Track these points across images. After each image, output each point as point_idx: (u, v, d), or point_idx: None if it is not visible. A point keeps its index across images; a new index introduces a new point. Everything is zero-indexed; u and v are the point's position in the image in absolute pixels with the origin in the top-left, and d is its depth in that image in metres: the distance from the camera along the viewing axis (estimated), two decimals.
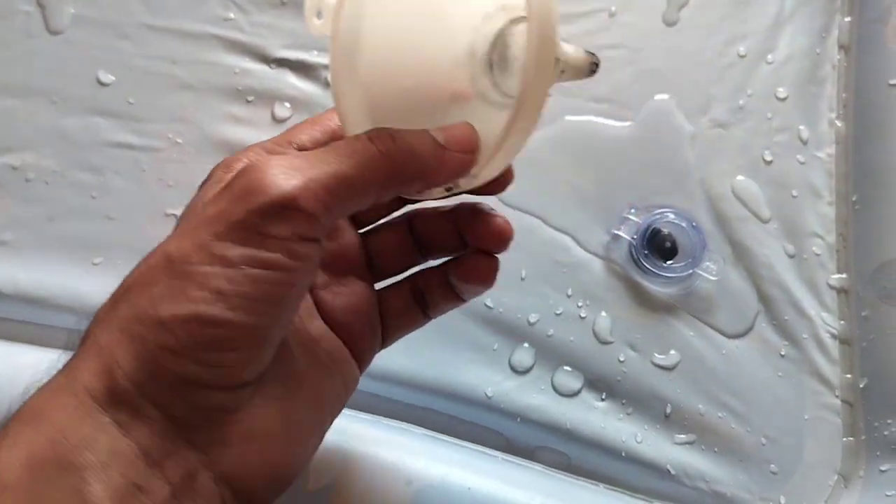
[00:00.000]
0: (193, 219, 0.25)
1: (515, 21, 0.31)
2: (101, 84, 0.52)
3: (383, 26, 0.30)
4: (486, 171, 0.28)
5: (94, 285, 0.47)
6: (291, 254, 0.24)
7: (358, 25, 0.30)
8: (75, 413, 0.23)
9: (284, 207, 0.24)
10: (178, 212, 0.49)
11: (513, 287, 0.48)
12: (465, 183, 0.28)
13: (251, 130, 0.51)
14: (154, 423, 0.24)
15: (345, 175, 0.25)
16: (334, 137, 0.31)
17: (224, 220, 0.24)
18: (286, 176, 0.24)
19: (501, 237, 0.32)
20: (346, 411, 0.42)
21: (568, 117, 0.53)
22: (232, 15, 0.53)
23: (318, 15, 0.29)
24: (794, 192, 0.52)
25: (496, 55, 0.31)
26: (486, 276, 0.32)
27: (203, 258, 0.23)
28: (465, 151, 0.28)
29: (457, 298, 0.33)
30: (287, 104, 0.52)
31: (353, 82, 0.30)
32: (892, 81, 0.51)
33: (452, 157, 0.27)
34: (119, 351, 0.23)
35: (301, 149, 0.30)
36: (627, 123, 0.53)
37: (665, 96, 0.53)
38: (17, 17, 0.52)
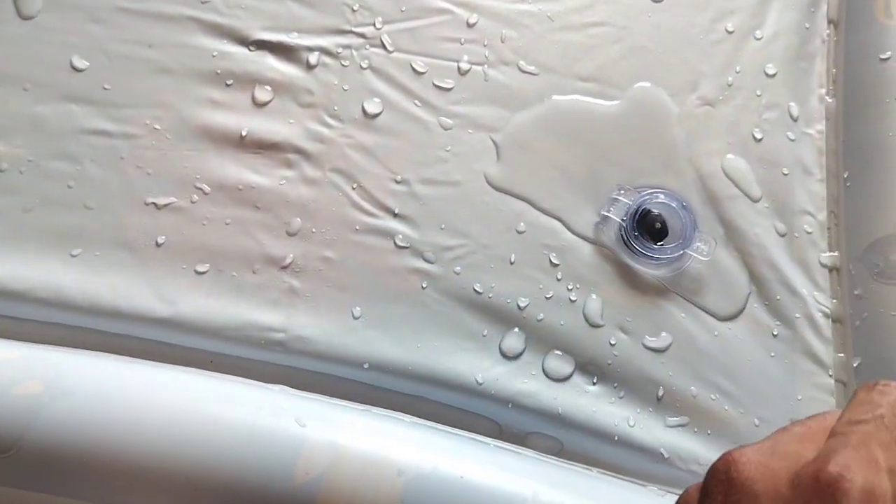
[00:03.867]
0: None
1: None
2: (75, 70, 0.50)
3: None
4: None
5: (72, 277, 0.46)
6: None
7: None
8: None
9: None
10: (158, 200, 0.48)
11: (502, 272, 0.48)
12: None
13: (231, 115, 0.50)
14: None
15: None
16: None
17: None
18: None
19: None
20: (335, 401, 0.42)
21: (555, 97, 0.52)
22: None
23: None
24: (785, 170, 0.51)
25: None
26: None
27: None
28: None
29: None
30: (268, 87, 0.51)
31: None
32: (882, 56, 0.51)
33: None
34: None
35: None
36: (614, 102, 0.52)
37: (648, 84, 0.52)
38: None
